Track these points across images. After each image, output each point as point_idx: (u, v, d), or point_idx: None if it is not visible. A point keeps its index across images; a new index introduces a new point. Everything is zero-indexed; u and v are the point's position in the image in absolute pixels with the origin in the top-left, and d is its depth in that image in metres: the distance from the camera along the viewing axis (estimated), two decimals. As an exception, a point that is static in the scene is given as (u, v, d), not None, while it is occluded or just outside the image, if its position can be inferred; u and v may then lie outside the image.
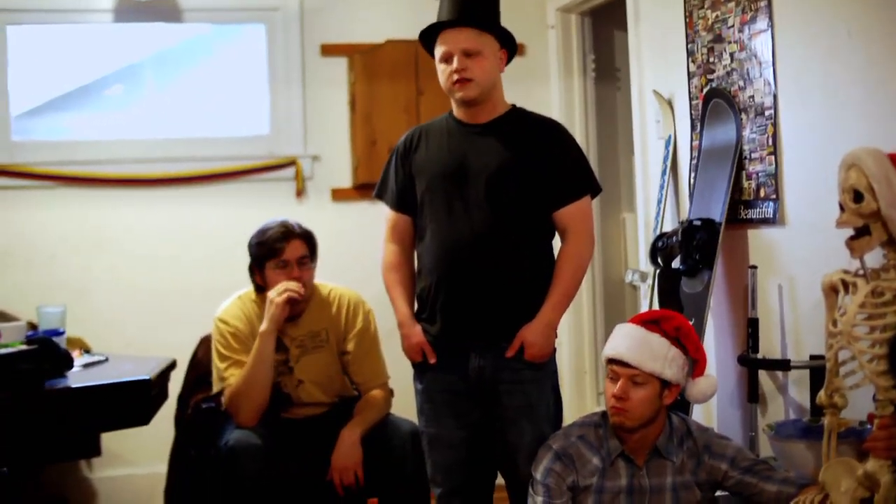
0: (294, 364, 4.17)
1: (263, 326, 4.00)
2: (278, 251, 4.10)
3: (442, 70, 3.47)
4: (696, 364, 3.27)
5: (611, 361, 3.25)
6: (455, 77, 3.42)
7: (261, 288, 4.20)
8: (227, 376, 4.09)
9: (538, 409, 3.50)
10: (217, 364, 4.14)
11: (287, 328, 4.18)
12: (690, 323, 3.39)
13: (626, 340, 3.24)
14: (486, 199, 3.44)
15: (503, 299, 3.47)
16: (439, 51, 3.47)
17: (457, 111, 3.58)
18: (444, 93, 3.54)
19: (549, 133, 3.57)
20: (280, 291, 4.01)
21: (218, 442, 4.05)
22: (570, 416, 5.32)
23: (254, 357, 4.01)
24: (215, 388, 4.17)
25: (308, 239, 4.18)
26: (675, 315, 3.33)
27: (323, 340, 4.22)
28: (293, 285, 4.01)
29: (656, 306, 4.42)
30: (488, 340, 3.48)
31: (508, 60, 3.58)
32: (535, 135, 3.53)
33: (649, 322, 3.27)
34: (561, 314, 3.53)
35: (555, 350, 3.57)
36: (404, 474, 3.97)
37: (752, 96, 4.06)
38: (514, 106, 3.61)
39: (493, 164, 3.46)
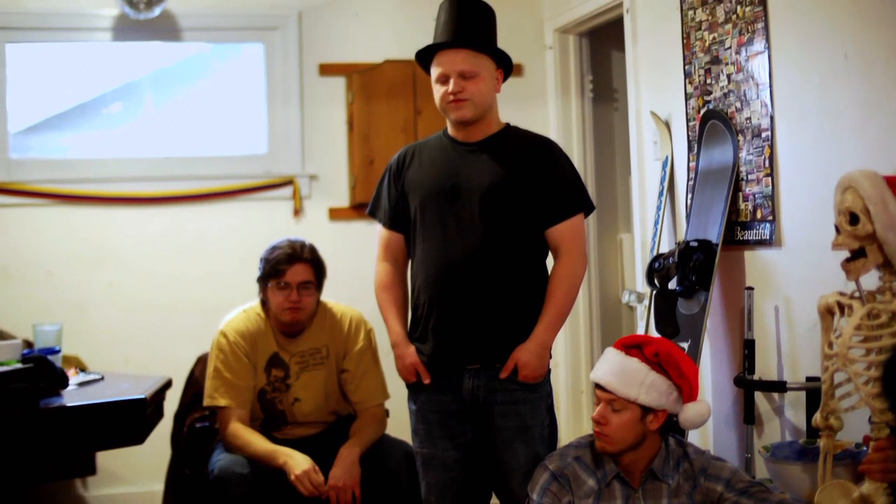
0: (293, 381, 4.17)
1: (279, 462, 3.94)
2: (280, 273, 4.11)
3: (437, 90, 3.48)
4: (683, 390, 3.21)
5: (596, 385, 3.24)
6: (451, 98, 3.43)
7: (264, 301, 4.21)
8: (218, 397, 4.09)
9: (532, 430, 3.48)
10: (211, 379, 4.14)
11: (287, 344, 4.19)
12: (683, 346, 3.36)
13: (606, 365, 3.22)
14: (480, 216, 3.44)
15: (497, 318, 3.46)
16: (435, 71, 3.47)
17: (451, 129, 3.59)
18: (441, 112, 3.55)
19: (541, 151, 3.57)
20: (302, 482, 3.90)
21: (208, 464, 4.06)
22: (566, 436, 5.33)
23: (254, 451, 4.00)
24: (205, 403, 4.17)
25: (315, 264, 4.18)
26: (656, 340, 3.27)
27: (323, 357, 4.22)
28: (309, 486, 3.91)
29: (653, 327, 4.42)
30: (482, 361, 3.47)
31: (504, 79, 3.58)
32: (527, 152, 3.53)
33: (632, 346, 3.24)
34: (555, 334, 3.51)
35: (549, 371, 3.56)
36: (398, 495, 3.97)
37: (749, 118, 4.07)
38: (507, 124, 3.61)
39: (486, 181, 3.46)
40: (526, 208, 3.48)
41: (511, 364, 3.44)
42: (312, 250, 4.20)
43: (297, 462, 3.92)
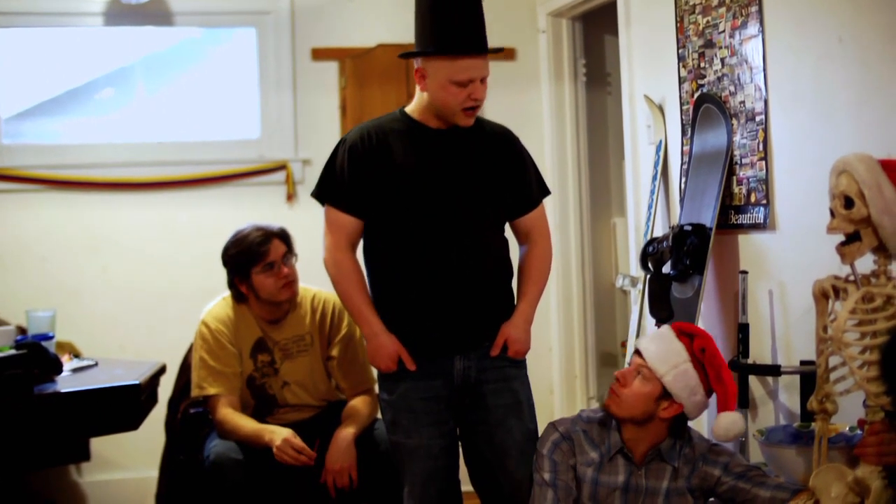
0: (279, 366, 4.17)
1: (265, 440, 3.95)
2: (263, 254, 4.11)
3: (454, 92, 3.37)
4: (717, 395, 3.23)
5: (636, 352, 3.31)
6: (471, 104, 3.40)
7: (243, 297, 4.19)
8: (207, 386, 4.10)
9: (524, 405, 3.53)
10: (197, 369, 4.14)
11: (271, 332, 4.20)
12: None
13: (654, 336, 3.32)
14: (465, 205, 3.45)
15: (485, 301, 3.50)
16: (460, 73, 3.35)
17: (421, 115, 3.50)
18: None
19: (507, 143, 3.61)
20: (284, 451, 3.91)
21: (202, 451, 4.06)
22: (560, 420, 5.30)
23: (243, 434, 4.02)
24: (193, 393, 4.17)
25: (284, 236, 4.22)
26: (709, 338, 3.27)
27: (307, 345, 4.22)
28: (292, 452, 3.92)
29: (647, 311, 4.42)
30: (472, 342, 3.49)
31: None
32: (495, 144, 3.57)
33: (685, 333, 3.28)
34: (535, 309, 3.61)
35: None
36: (389, 478, 3.96)
37: (743, 101, 4.07)
38: None
39: (470, 170, 3.47)
40: (501, 197, 3.54)
41: (501, 340, 3.49)
42: (273, 225, 4.24)
43: (278, 434, 3.94)
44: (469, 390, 3.49)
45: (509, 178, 3.56)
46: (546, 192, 3.72)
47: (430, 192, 3.44)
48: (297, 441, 3.92)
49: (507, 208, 3.59)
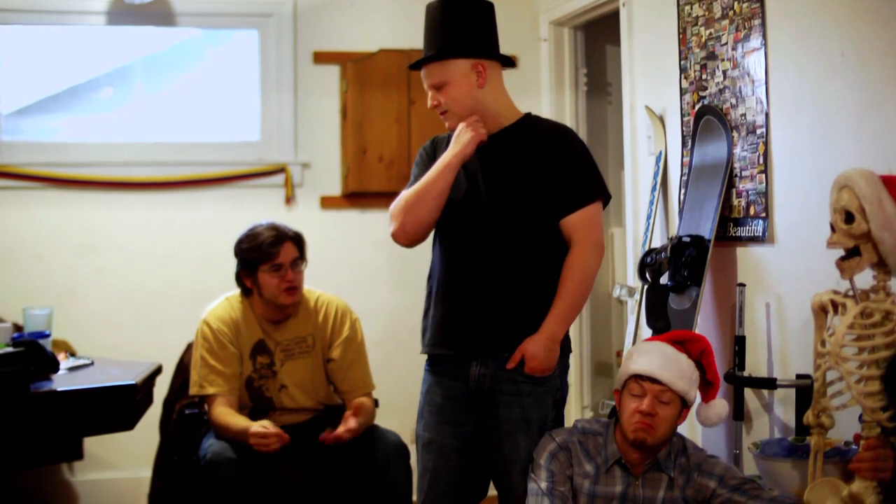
0: (278, 368, 4.17)
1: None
2: (273, 255, 4.12)
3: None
4: (710, 388, 3.33)
5: (637, 377, 3.23)
6: (433, 108, 3.49)
7: (249, 291, 4.20)
8: (207, 385, 4.10)
9: (534, 423, 3.42)
10: (197, 368, 4.15)
11: (273, 332, 4.20)
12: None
13: (658, 357, 3.24)
14: (493, 210, 3.41)
15: (508, 308, 3.40)
16: (424, 83, 3.53)
17: None
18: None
19: (556, 139, 3.47)
20: (262, 439, 3.93)
21: (198, 451, 4.06)
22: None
23: (234, 432, 4.01)
24: (192, 391, 4.18)
25: (298, 241, 4.22)
26: (701, 338, 3.35)
27: (309, 346, 4.23)
28: (261, 440, 3.93)
29: (643, 322, 4.42)
30: (491, 348, 3.42)
31: (503, 63, 3.53)
32: (542, 142, 3.46)
33: (675, 342, 3.31)
34: (566, 327, 3.42)
35: (568, 366, 3.53)
36: (389, 485, 3.97)
37: (744, 114, 4.07)
38: (527, 114, 3.55)
39: (499, 175, 3.42)
40: (539, 200, 3.41)
41: (518, 355, 3.37)
42: (290, 227, 4.26)
43: (252, 428, 3.95)
44: (484, 397, 3.43)
45: (550, 177, 3.40)
46: (598, 194, 3.45)
47: (462, 197, 3.44)
48: (260, 429, 3.92)
49: (545, 210, 3.42)
